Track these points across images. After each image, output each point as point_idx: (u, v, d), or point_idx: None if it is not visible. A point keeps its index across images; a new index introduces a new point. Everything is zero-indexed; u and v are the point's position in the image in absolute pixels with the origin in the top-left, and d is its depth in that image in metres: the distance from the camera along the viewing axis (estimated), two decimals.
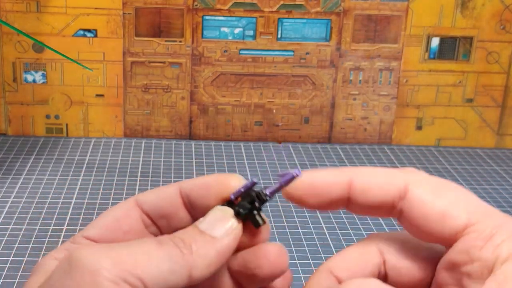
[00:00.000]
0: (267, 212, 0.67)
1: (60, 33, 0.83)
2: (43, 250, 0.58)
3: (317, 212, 0.68)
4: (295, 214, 0.67)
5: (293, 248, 0.60)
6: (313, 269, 0.57)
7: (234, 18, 0.84)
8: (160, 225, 0.30)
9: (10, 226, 0.62)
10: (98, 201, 0.68)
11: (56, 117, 0.86)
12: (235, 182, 0.28)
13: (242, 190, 0.28)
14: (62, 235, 0.61)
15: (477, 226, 0.25)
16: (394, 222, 0.65)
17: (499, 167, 0.84)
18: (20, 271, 0.55)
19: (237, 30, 0.85)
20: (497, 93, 0.90)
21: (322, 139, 0.90)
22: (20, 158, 0.78)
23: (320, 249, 0.61)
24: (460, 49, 0.88)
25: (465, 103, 0.90)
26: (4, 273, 0.55)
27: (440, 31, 0.87)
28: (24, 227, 0.62)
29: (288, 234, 0.63)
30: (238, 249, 0.28)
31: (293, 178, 0.28)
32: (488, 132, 0.91)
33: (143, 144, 0.86)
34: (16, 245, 0.59)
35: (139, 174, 0.76)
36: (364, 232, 0.64)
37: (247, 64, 0.86)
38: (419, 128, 0.90)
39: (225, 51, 0.85)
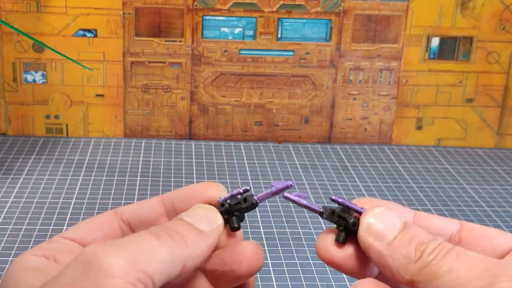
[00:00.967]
0: (267, 211, 0.67)
1: (60, 33, 0.83)
2: None
3: None
4: (295, 214, 0.67)
5: (293, 248, 0.60)
6: (313, 269, 0.57)
7: (234, 18, 0.84)
8: None
9: (10, 226, 0.62)
10: (98, 201, 0.68)
11: (56, 117, 0.87)
12: (216, 191, 0.30)
13: (231, 194, 0.30)
14: None
15: None
16: None
17: (499, 167, 0.84)
18: None
19: (237, 30, 0.85)
20: (497, 93, 0.90)
21: (322, 139, 0.90)
22: (20, 158, 0.78)
23: None
24: (460, 49, 0.88)
25: (465, 103, 0.90)
26: (4, 273, 0.55)
27: (440, 31, 0.87)
28: (24, 227, 0.62)
29: (288, 234, 0.63)
30: (215, 248, 0.29)
31: (286, 187, 0.30)
32: (488, 132, 0.91)
33: (143, 144, 0.86)
34: (16, 245, 0.59)
35: (139, 174, 0.76)
36: None
37: (247, 64, 0.86)
38: (419, 128, 0.91)
39: (225, 51, 0.85)
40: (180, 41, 0.85)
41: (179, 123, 0.88)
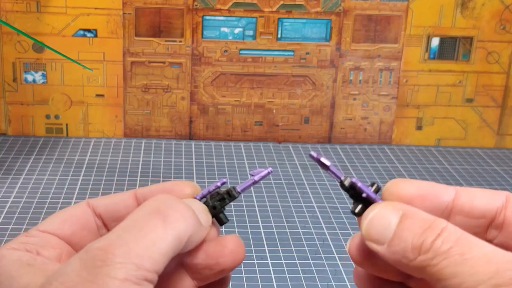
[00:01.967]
0: (267, 211, 0.67)
1: (60, 33, 0.83)
2: None
3: (317, 212, 0.68)
4: (295, 214, 0.67)
5: (293, 248, 0.60)
6: (313, 269, 0.57)
7: (234, 18, 0.84)
8: (111, 228, 0.30)
9: (10, 226, 0.62)
10: None
11: (56, 117, 0.87)
12: (190, 190, 0.31)
13: (209, 190, 0.31)
14: None
15: None
16: None
17: (499, 167, 0.84)
18: None
19: (237, 30, 0.85)
20: (497, 93, 0.90)
21: (322, 139, 0.90)
22: (20, 158, 0.78)
23: (320, 249, 0.61)
24: (460, 49, 0.88)
25: (465, 103, 0.90)
26: None
27: (440, 31, 0.87)
28: (24, 227, 0.62)
29: (288, 234, 0.63)
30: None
31: (267, 174, 0.31)
32: (488, 132, 0.91)
33: (143, 144, 0.86)
34: None
35: (139, 174, 0.76)
36: None
37: (247, 64, 0.86)
38: (419, 128, 0.91)
39: (225, 51, 0.85)
40: (180, 41, 0.85)
41: (179, 123, 0.88)
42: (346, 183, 0.30)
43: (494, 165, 0.84)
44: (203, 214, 0.29)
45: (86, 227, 0.30)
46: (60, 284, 0.24)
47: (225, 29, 0.85)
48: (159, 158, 0.81)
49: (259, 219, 0.65)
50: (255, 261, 0.58)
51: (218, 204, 0.30)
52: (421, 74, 0.88)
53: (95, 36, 0.83)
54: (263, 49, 0.86)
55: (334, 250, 0.60)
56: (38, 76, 0.85)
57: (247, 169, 0.79)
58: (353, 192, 0.30)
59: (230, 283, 0.46)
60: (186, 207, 0.28)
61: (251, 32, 0.85)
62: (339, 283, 0.55)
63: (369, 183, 0.30)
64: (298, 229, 0.64)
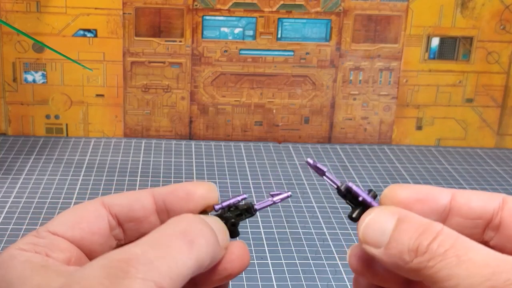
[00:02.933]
0: (267, 211, 0.67)
1: (60, 33, 0.83)
2: None
3: (317, 212, 0.68)
4: (295, 214, 0.67)
5: (293, 248, 0.60)
6: (313, 269, 0.57)
7: (234, 18, 0.84)
8: (126, 229, 0.30)
9: (10, 226, 0.62)
10: None
11: (56, 117, 0.87)
12: (212, 196, 0.31)
13: (229, 203, 0.31)
14: None
15: None
16: None
17: (499, 167, 0.84)
18: None
19: (237, 30, 0.85)
20: (497, 93, 0.90)
21: (322, 139, 0.90)
22: (20, 158, 0.78)
23: (320, 249, 0.61)
24: (460, 49, 0.88)
25: (465, 103, 0.90)
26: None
27: (440, 31, 0.87)
28: (24, 227, 0.62)
29: (288, 234, 0.63)
30: None
31: (286, 197, 0.32)
32: (488, 132, 0.91)
33: (143, 144, 0.86)
34: None
35: (139, 174, 0.76)
36: None
37: (247, 64, 0.86)
38: (419, 128, 0.91)
39: (225, 51, 0.85)
40: (180, 41, 0.85)
41: (179, 123, 0.88)
42: (343, 188, 0.30)
43: (494, 165, 0.84)
44: (223, 235, 0.29)
45: (97, 232, 0.30)
46: (82, 287, 0.24)
47: (225, 29, 0.85)
48: (159, 158, 0.81)
49: (259, 219, 0.65)
50: (255, 261, 0.58)
51: (236, 219, 0.31)
52: (421, 74, 0.88)
53: (95, 36, 0.83)
54: (263, 49, 0.86)
55: (334, 250, 0.60)
56: (38, 76, 0.85)
57: (247, 169, 0.79)
58: (350, 197, 0.30)
59: (230, 283, 0.46)
60: (211, 232, 0.28)
61: (251, 32, 0.85)
62: (339, 283, 0.55)
63: (366, 191, 0.30)
64: (298, 229, 0.64)
